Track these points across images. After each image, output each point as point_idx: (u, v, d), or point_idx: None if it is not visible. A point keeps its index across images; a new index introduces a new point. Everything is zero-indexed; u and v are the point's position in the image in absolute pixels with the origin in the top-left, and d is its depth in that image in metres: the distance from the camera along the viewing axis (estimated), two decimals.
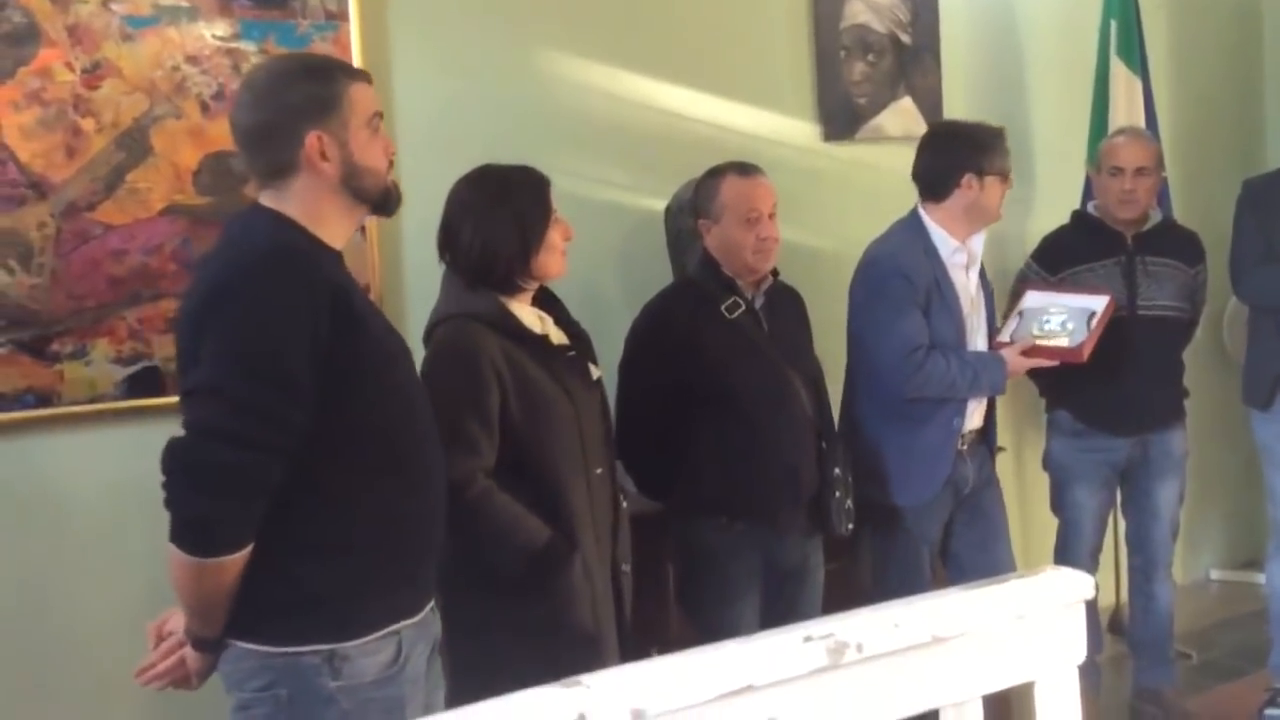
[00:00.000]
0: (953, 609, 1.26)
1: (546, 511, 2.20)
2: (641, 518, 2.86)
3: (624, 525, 2.42)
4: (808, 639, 1.17)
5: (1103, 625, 3.87)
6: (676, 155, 3.40)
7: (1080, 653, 1.35)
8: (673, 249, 3.30)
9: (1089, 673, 3.61)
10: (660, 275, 3.22)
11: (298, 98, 1.84)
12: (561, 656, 2.01)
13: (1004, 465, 3.71)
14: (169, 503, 1.73)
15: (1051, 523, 3.65)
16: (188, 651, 1.85)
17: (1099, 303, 3.14)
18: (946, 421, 3.03)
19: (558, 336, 2.36)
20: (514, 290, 2.30)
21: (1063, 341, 3.09)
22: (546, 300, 2.42)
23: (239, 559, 1.74)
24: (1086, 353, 3.07)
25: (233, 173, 2.78)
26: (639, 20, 3.51)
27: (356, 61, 2.96)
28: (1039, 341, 3.11)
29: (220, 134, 2.79)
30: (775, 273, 2.89)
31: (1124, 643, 3.87)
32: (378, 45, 3.05)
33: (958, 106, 4.14)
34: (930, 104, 4.03)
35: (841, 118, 3.86)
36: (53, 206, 2.65)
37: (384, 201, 1.93)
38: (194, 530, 1.72)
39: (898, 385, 2.98)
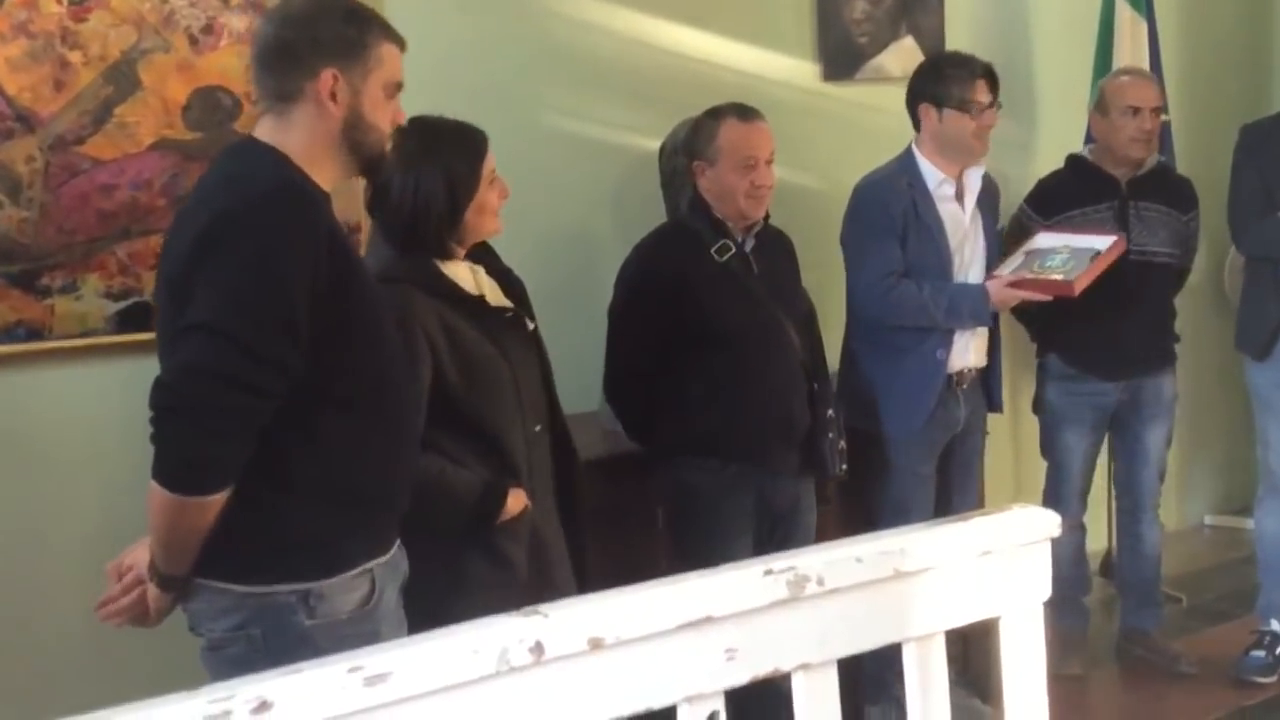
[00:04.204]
0: (916, 545, 1.27)
1: (491, 469, 2.19)
2: (629, 459, 2.89)
3: (579, 477, 2.40)
4: (768, 572, 1.18)
5: (1093, 568, 3.90)
6: (673, 94, 3.37)
7: (1045, 590, 1.36)
8: (667, 189, 3.28)
9: (1077, 613, 3.69)
10: (655, 215, 3.20)
11: (328, 32, 1.82)
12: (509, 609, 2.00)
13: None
14: (159, 440, 1.72)
15: (1044, 466, 3.66)
16: (149, 589, 1.84)
17: (1105, 242, 3.11)
18: (930, 353, 3.05)
19: (493, 292, 2.30)
20: (445, 252, 2.23)
21: (1057, 277, 3.05)
22: (479, 250, 2.35)
23: (220, 499, 1.74)
24: (1079, 288, 3.03)
25: (222, 108, 2.77)
26: None
27: None
28: (1031, 276, 3.09)
29: (210, 69, 2.79)
30: (766, 215, 2.87)
31: (1114, 585, 3.90)
32: None
33: (960, 47, 4.07)
34: (933, 44, 3.98)
35: (842, 57, 3.82)
36: (41, 140, 2.64)
37: (376, 164, 1.92)
38: (184, 469, 1.71)
39: (870, 310, 3.05)
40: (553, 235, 3.32)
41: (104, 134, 2.70)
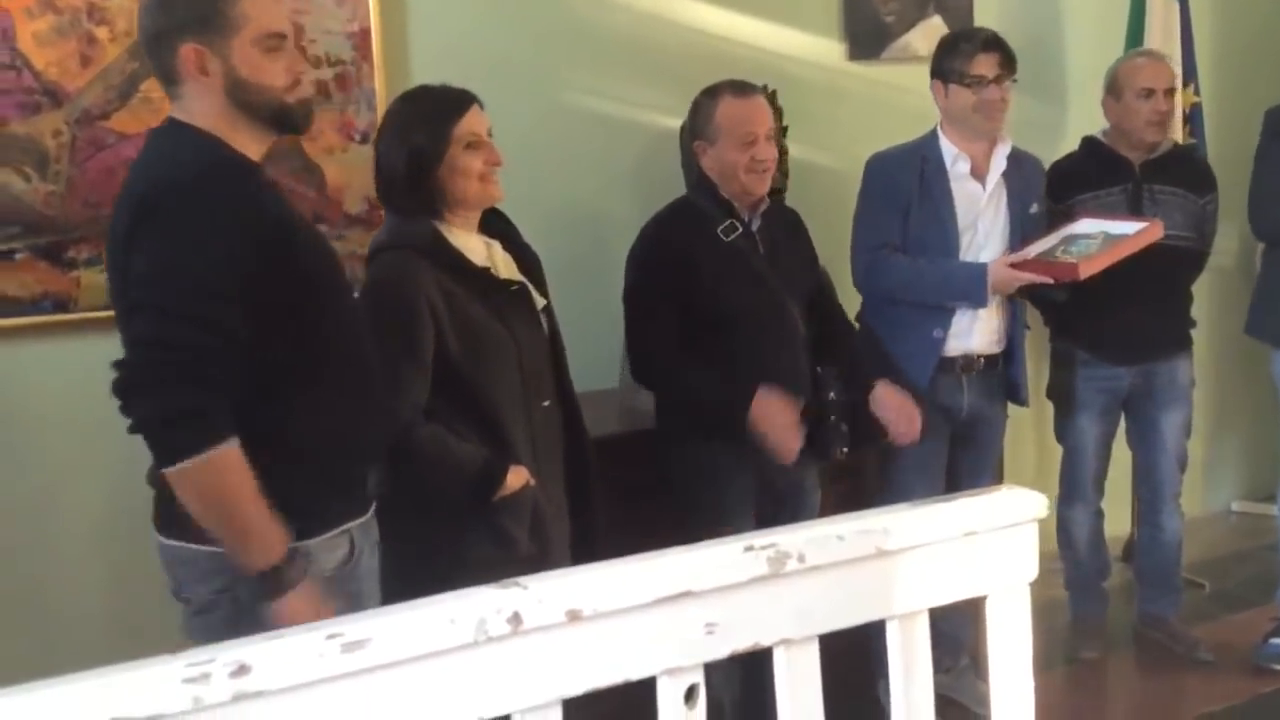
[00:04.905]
0: (899, 524, 1.27)
1: (489, 444, 2.19)
2: (647, 437, 2.90)
3: (590, 454, 2.40)
4: (749, 548, 1.19)
5: (1113, 553, 3.88)
6: (695, 72, 3.34)
7: (1032, 570, 1.36)
8: (686, 169, 3.28)
9: (1096, 598, 3.69)
10: (674, 193, 3.19)
11: (180, 9, 1.85)
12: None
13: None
14: (133, 422, 1.74)
15: None
16: (283, 606, 1.79)
17: (1134, 227, 3.04)
18: (926, 332, 3.03)
19: (505, 265, 2.30)
20: (440, 218, 2.23)
21: (1066, 259, 2.96)
22: (500, 223, 2.37)
23: (229, 455, 1.74)
24: (1084, 271, 2.92)
25: None
26: None
27: None
28: (1043, 260, 3.00)
29: None
30: (776, 192, 2.85)
31: (1132, 571, 3.88)
32: None
33: (989, 26, 4.05)
34: (961, 23, 3.94)
35: (868, 36, 3.80)
36: (68, 114, 2.69)
37: (281, 120, 1.91)
38: (165, 437, 1.74)
39: (857, 279, 3.07)
40: (571, 212, 3.34)
41: (129, 109, 2.74)
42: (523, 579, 1.11)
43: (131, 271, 1.77)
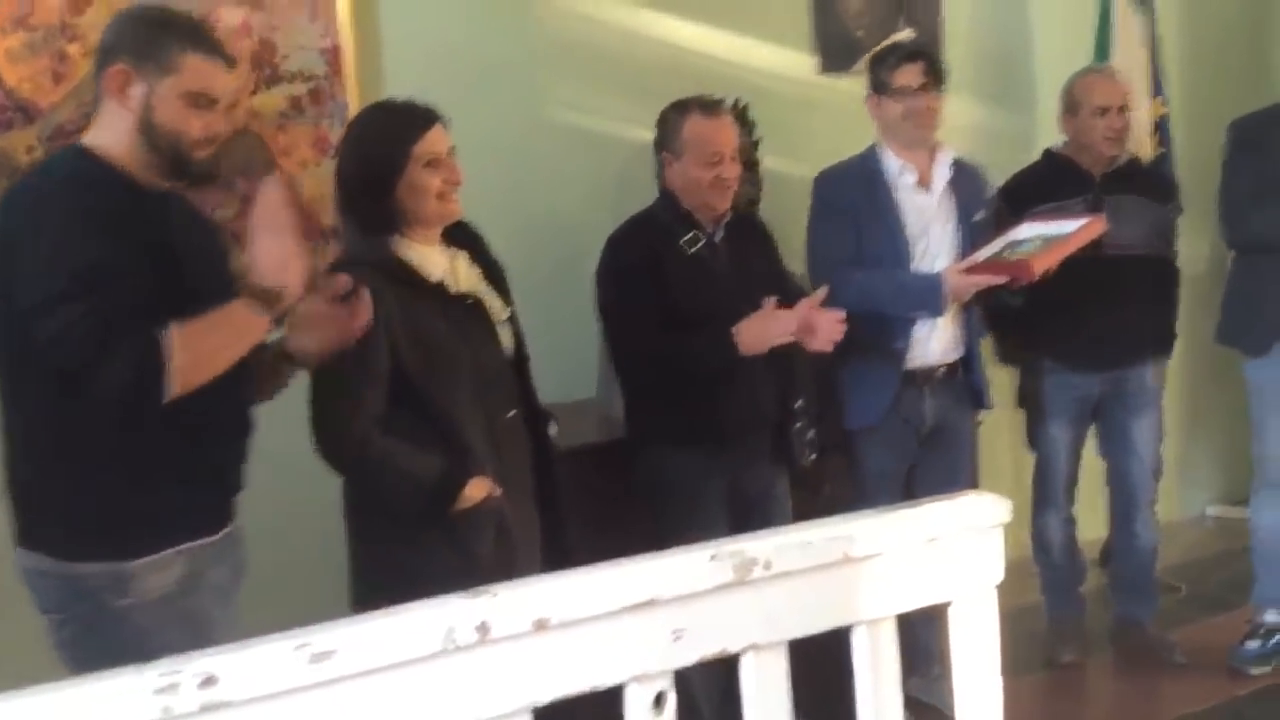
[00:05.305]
0: (864, 531, 1.29)
1: (451, 456, 2.18)
2: (623, 446, 2.91)
3: (554, 464, 2.41)
4: (714, 556, 1.21)
5: (1089, 557, 3.91)
6: (670, 86, 3.36)
7: (997, 575, 1.38)
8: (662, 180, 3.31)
9: (1072, 602, 3.72)
10: None
11: (128, 32, 1.91)
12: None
13: (996, 398, 3.73)
14: (106, 397, 1.75)
15: None
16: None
17: (1075, 225, 3.04)
18: (887, 344, 3.05)
19: (467, 278, 2.31)
20: (404, 234, 2.24)
21: (1018, 257, 2.96)
22: (466, 235, 2.37)
23: (175, 335, 1.75)
24: (1037, 268, 2.90)
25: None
26: None
27: None
28: (992, 262, 3.00)
29: None
30: (750, 203, 2.88)
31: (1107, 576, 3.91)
32: None
33: (959, 40, 4.11)
34: (931, 37, 4.00)
35: (839, 50, 3.84)
36: (40, 130, 2.70)
37: (177, 167, 1.94)
38: (140, 381, 1.74)
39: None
40: (550, 223, 3.36)
41: None
42: (490, 587, 1.13)
43: (16, 276, 1.77)
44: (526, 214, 3.18)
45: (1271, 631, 3.54)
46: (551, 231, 3.36)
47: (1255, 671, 3.50)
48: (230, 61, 1.99)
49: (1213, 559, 4.45)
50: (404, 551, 2.16)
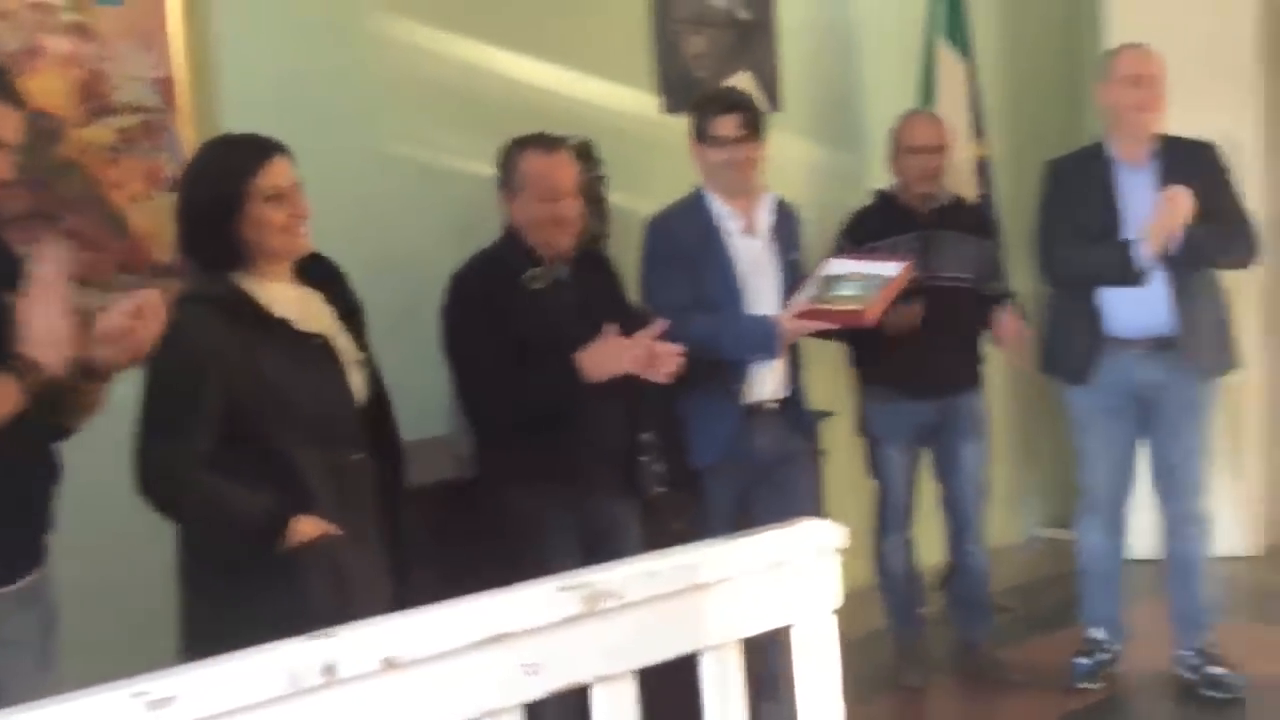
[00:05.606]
0: (710, 558, 1.32)
1: (288, 497, 2.13)
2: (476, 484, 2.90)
3: (400, 504, 2.37)
4: (563, 588, 1.22)
5: (928, 582, 4.05)
6: (518, 123, 3.39)
7: (836, 599, 1.43)
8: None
9: (912, 625, 3.84)
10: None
11: None
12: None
13: (840, 432, 3.86)
14: None
15: None
16: None
17: (894, 268, 3.15)
18: (723, 384, 3.11)
19: (317, 317, 2.27)
20: (249, 270, 2.20)
21: (851, 306, 3.07)
22: (324, 272, 2.33)
23: None
24: (872, 316, 3.02)
25: (45, 131, 2.71)
26: None
27: (177, 23, 2.91)
28: (823, 306, 3.08)
29: (32, 91, 2.72)
30: (597, 239, 2.90)
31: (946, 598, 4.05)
32: (199, 5, 3.00)
33: (795, 84, 4.25)
34: (768, 80, 4.12)
35: (681, 89, 3.92)
36: None
37: None
38: None
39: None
40: (393, 260, 3.32)
41: None
42: (334, 629, 1.11)
43: None
44: (367, 250, 3.13)
45: (1099, 648, 3.71)
46: (394, 267, 3.33)
47: (1086, 687, 3.66)
48: (19, 104, 1.93)
49: (1043, 580, 4.65)
50: (235, 596, 2.09)
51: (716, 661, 1.35)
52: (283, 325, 2.19)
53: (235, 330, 2.12)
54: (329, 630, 1.10)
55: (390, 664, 1.11)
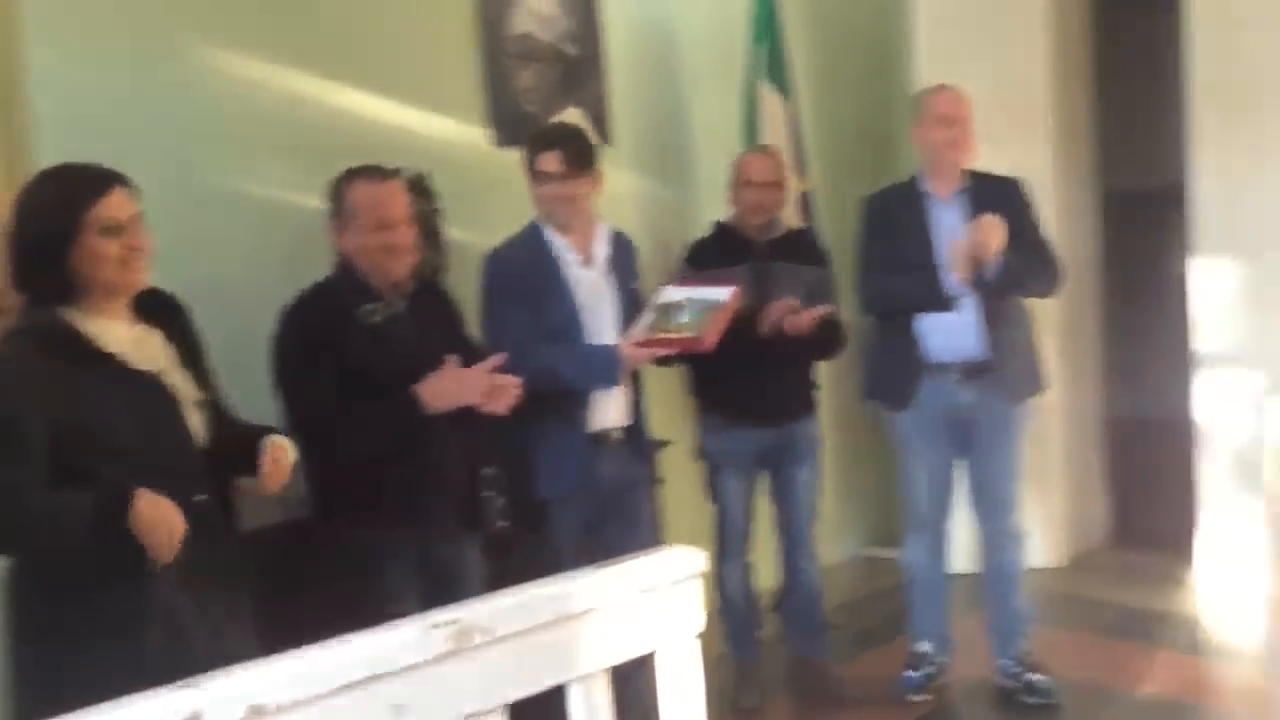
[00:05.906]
0: (579, 589, 1.33)
1: (123, 545, 2.02)
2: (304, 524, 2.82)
3: (235, 547, 2.30)
4: (433, 626, 1.21)
5: (765, 605, 4.14)
6: (349, 155, 3.34)
7: (699, 623, 1.46)
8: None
9: (751, 647, 3.91)
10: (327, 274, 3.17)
11: None
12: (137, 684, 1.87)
13: (680, 459, 3.91)
14: None
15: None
16: None
17: (724, 293, 3.22)
18: (570, 414, 3.13)
19: (153, 355, 2.19)
20: (79, 304, 2.12)
21: (689, 333, 3.13)
22: (168, 310, 2.27)
23: None
24: (709, 341, 3.09)
25: None
26: (301, 14, 3.45)
27: None
28: (661, 334, 3.15)
29: None
30: (436, 271, 2.88)
31: (781, 618, 4.15)
32: (7, 36, 2.85)
33: (623, 118, 4.32)
34: (597, 114, 4.18)
35: (512, 124, 3.94)
36: None
37: None
38: None
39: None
40: (219, 294, 3.19)
41: None
42: (198, 678, 1.08)
43: None
44: (184, 283, 3.02)
45: (926, 660, 3.86)
46: (217, 303, 3.20)
47: (916, 699, 3.81)
48: None
49: (868, 597, 4.83)
50: (66, 647, 1.98)
51: (585, 692, 1.35)
52: (113, 362, 2.11)
53: (59, 366, 2.03)
54: (192, 680, 1.06)
55: (257, 712, 1.08)
